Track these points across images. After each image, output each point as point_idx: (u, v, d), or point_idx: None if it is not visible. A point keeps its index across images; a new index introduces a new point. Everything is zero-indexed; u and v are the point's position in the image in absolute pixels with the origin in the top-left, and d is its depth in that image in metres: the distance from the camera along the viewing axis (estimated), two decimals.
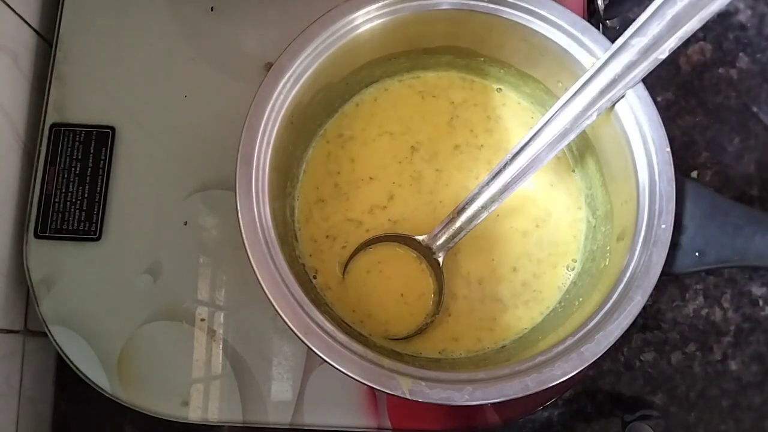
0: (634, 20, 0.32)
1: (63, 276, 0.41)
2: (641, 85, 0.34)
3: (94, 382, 0.40)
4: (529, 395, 0.31)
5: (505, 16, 0.36)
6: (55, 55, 0.44)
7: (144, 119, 0.44)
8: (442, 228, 0.38)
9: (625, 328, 0.32)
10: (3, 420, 0.40)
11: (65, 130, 0.43)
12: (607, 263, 0.36)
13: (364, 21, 0.36)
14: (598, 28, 0.37)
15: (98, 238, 0.42)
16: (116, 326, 0.41)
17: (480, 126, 0.41)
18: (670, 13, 0.31)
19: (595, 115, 0.34)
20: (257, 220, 0.33)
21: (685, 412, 0.48)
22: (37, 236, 0.42)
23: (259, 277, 0.32)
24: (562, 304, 0.38)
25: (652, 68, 0.33)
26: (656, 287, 0.32)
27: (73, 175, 0.43)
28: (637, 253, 0.33)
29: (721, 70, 0.51)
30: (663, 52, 0.32)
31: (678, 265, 0.35)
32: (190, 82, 0.44)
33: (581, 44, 0.35)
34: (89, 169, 0.43)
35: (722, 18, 0.52)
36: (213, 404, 0.40)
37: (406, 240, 0.39)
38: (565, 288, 0.39)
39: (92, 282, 0.41)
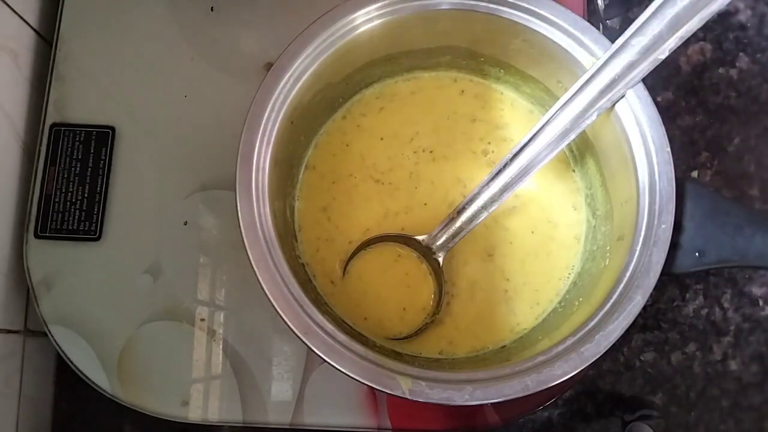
0: (634, 20, 0.32)
1: (63, 276, 0.41)
2: (641, 85, 0.34)
3: (94, 382, 0.40)
4: (529, 395, 0.31)
5: (505, 16, 0.36)
6: (55, 55, 0.44)
7: (144, 119, 0.44)
8: (442, 228, 0.38)
9: (625, 328, 0.32)
10: (3, 420, 0.40)
11: (65, 130, 0.43)
12: (607, 263, 0.36)
13: (364, 21, 0.36)
14: (598, 28, 0.37)
15: (98, 238, 0.42)
16: (116, 326, 0.41)
17: (480, 126, 0.41)
18: (670, 13, 0.32)
19: (595, 115, 0.34)
20: (257, 220, 0.33)
21: (685, 412, 0.48)
22: (37, 236, 0.42)
23: (259, 277, 0.32)
24: (562, 304, 0.38)
25: (652, 68, 0.33)
26: (656, 287, 0.32)
27: (73, 175, 0.43)
28: (637, 253, 0.33)
29: (721, 70, 0.51)
30: (663, 52, 0.32)
31: (678, 265, 0.35)
32: (190, 82, 0.44)
33: (581, 44, 0.35)
34: (89, 169, 0.43)
35: (722, 18, 0.52)
36: (213, 404, 0.40)
37: (406, 240, 0.39)
38: (565, 288, 0.39)
39: (92, 282, 0.41)
